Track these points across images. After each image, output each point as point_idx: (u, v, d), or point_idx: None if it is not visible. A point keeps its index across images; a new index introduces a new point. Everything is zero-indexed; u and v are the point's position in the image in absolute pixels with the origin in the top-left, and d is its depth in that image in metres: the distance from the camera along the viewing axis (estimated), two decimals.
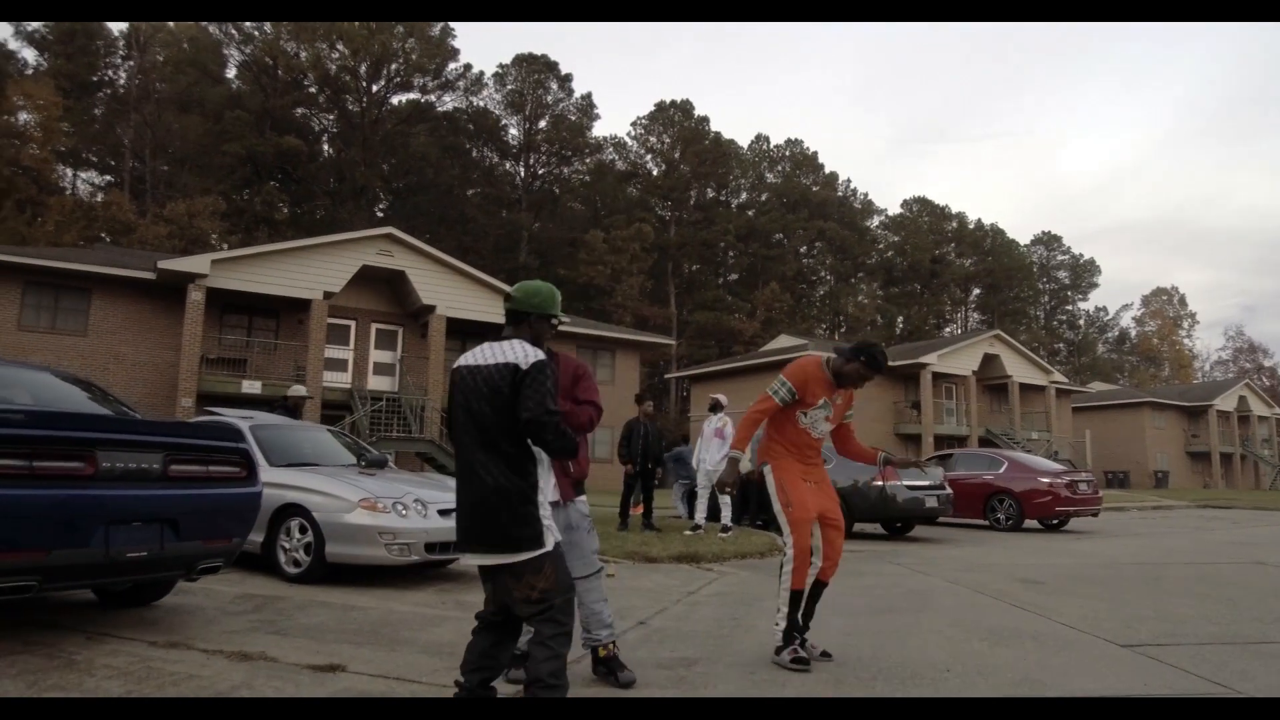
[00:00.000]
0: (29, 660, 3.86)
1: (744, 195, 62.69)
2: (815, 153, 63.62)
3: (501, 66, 52.40)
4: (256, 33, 45.49)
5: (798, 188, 60.97)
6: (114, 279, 22.16)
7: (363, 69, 46.33)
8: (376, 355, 25.08)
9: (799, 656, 4.23)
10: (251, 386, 21.90)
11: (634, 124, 58.17)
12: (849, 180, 67.85)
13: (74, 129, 45.93)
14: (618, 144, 57.73)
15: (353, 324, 24.90)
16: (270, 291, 22.42)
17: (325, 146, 45.34)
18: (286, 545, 6.72)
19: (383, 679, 3.77)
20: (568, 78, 53.52)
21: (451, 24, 46.82)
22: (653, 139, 57.05)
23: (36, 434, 3.92)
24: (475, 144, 50.23)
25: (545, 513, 3.03)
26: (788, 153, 63.32)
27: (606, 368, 29.33)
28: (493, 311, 25.17)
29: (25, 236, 31.35)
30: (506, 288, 26.05)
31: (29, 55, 48.65)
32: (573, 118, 53.86)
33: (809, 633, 4.45)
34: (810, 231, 58.16)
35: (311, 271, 22.82)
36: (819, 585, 4.45)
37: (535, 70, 52.45)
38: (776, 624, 4.36)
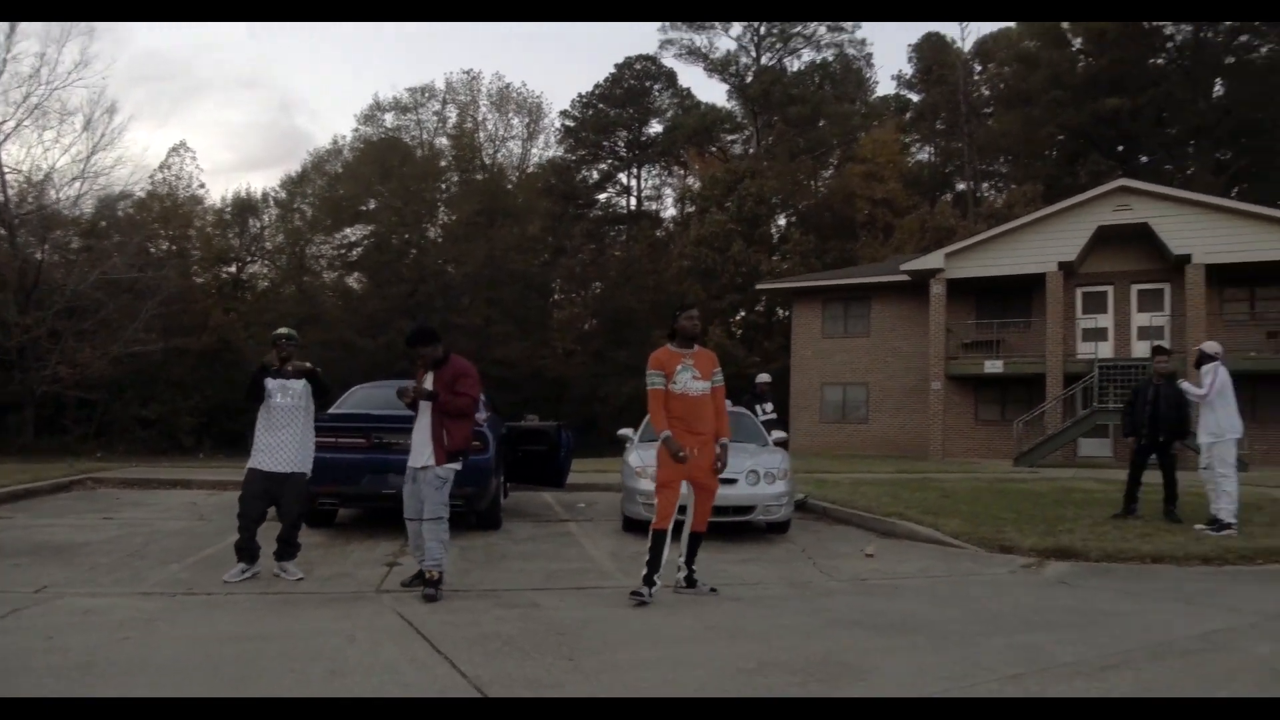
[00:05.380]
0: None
1: None
2: None
3: None
4: None
5: None
6: (885, 285, 26.13)
7: None
8: (1139, 319, 23.64)
9: (639, 597, 5.64)
10: (994, 366, 23.41)
11: None
12: None
13: (933, 157, 52.67)
14: None
15: (1109, 289, 24.03)
16: (1000, 273, 23.65)
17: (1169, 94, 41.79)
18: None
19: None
20: None
21: None
22: None
23: (339, 425, 7.68)
24: None
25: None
26: None
27: None
28: (1270, 249, 21.38)
29: (878, 256, 37.84)
30: None
31: (913, 96, 57.28)
32: None
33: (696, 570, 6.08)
34: None
35: (1042, 245, 23.18)
36: (693, 536, 5.98)
37: None
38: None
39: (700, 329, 6.17)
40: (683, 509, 6.14)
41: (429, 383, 6.01)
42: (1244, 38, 44.24)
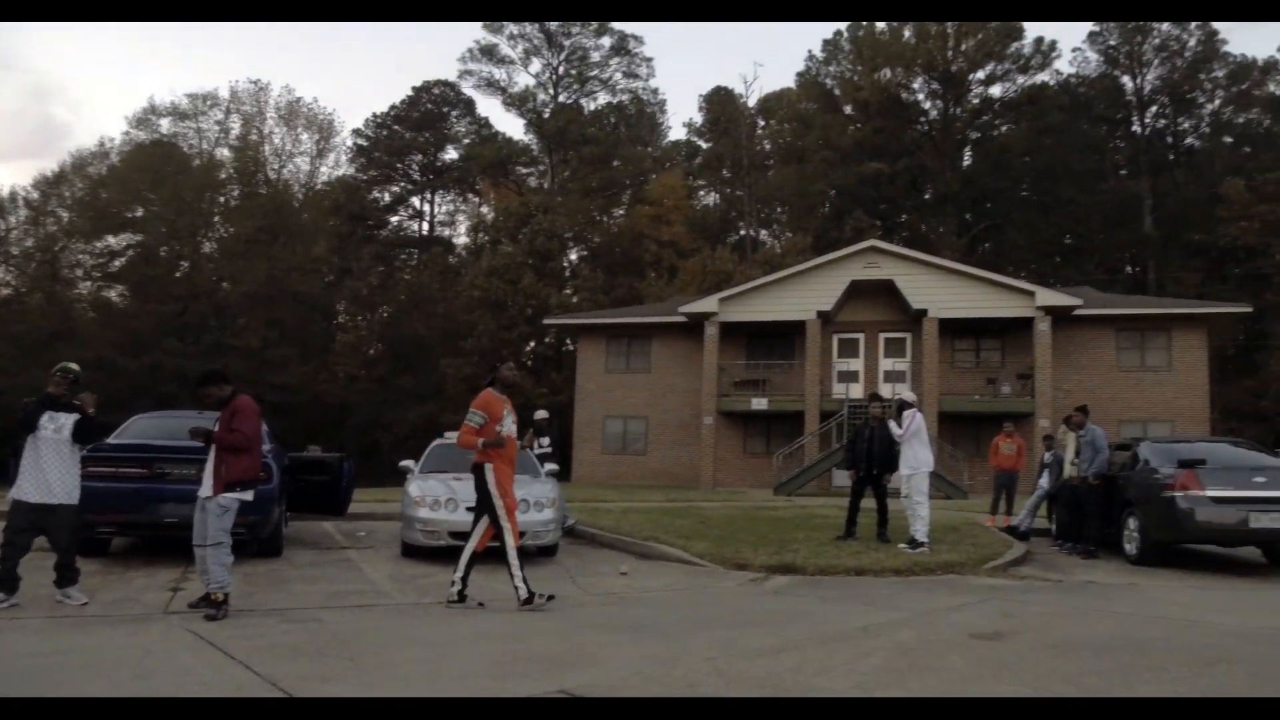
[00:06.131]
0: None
1: None
2: None
3: (1099, 23, 48.15)
4: (838, 73, 50.19)
5: None
6: (665, 325, 27.89)
7: (917, 83, 47.42)
8: (886, 364, 26.62)
9: (543, 598, 6.79)
10: (760, 403, 25.57)
11: None
12: None
13: (718, 203, 56.35)
14: (1266, 66, 47.63)
15: (861, 336, 26.92)
16: (767, 319, 25.96)
17: (908, 162, 47.31)
18: None
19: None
20: None
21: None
22: None
23: (120, 455, 7.95)
24: (1070, 117, 46.84)
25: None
26: None
27: (1160, 351, 25.67)
28: (990, 307, 24.98)
29: (663, 296, 40.03)
30: (1008, 280, 25.65)
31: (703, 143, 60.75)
32: (1191, 54, 46.53)
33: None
34: None
35: (804, 295, 25.68)
36: (475, 555, 7.02)
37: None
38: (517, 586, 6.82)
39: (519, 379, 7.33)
40: (461, 535, 7.20)
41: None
42: (985, 116, 50.78)
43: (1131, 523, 10.70)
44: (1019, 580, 9.30)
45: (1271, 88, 47.79)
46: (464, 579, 6.97)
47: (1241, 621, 6.80)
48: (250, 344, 40.67)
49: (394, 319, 47.66)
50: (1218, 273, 43.87)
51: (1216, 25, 47.32)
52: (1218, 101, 48.92)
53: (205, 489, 6.50)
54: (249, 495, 6.66)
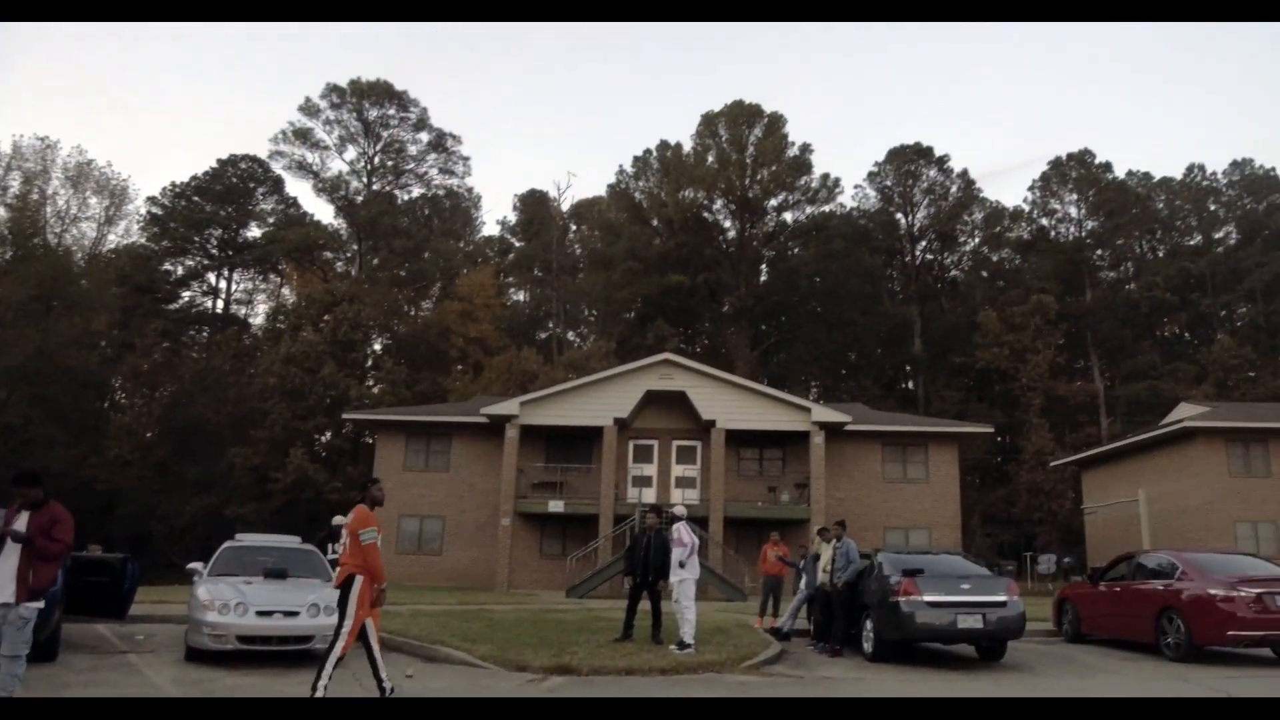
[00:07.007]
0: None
1: (1195, 238, 55.20)
2: (1273, 169, 53.87)
3: (877, 165, 54.37)
4: (647, 188, 53.75)
5: (1250, 217, 52.16)
6: (464, 425, 28.53)
7: (718, 204, 51.72)
8: (678, 470, 28.29)
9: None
10: (556, 506, 26.51)
11: (1030, 188, 55.29)
12: None
13: (526, 303, 58.00)
14: (1014, 214, 55.25)
15: (655, 443, 28.55)
16: (567, 423, 27.16)
17: (707, 277, 51.00)
18: None
19: None
20: (944, 159, 53.44)
21: (810, 145, 50.90)
22: (1052, 202, 53.64)
23: None
24: (851, 246, 52.24)
25: None
26: (1236, 177, 54.65)
27: (919, 464, 28.82)
28: (772, 421, 27.20)
29: (466, 393, 40.57)
30: (787, 396, 28.04)
31: (516, 242, 62.45)
32: (954, 198, 53.30)
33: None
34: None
35: (602, 402, 27.10)
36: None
37: (907, 161, 53.33)
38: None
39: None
40: (250, 639, 7.66)
41: (22, 522, 6.87)
42: (779, 239, 55.50)
43: (868, 624, 12.36)
44: (767, 677, 10.60)
45: (1019, 232, 55.20)
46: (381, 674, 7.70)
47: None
48: (11, 421, 37.71)
49: (178, 400, 45.41)
50: (977, 391, 49.42)
51: (974, 175, 54.61)
52: (976, 240, 55.94)
53: (3, 594, 6.59)
54: (41, 603, 6.87)
